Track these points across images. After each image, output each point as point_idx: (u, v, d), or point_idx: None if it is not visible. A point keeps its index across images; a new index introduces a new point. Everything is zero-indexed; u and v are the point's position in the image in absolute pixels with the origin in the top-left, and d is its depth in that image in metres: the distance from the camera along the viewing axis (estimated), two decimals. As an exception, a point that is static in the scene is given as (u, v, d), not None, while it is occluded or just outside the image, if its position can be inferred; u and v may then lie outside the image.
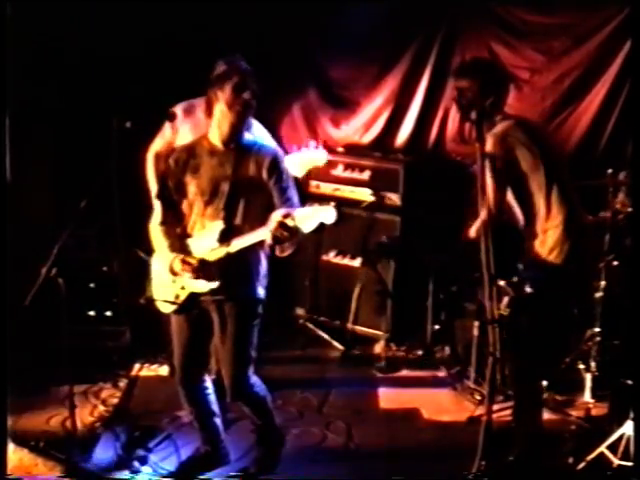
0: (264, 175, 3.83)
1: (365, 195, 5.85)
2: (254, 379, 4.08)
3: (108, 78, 5.50)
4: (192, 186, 3.89)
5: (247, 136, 3.93)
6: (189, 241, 3.90)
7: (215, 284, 3.82)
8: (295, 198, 3.88)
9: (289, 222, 3.51)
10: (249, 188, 3.84)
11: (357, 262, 5.81)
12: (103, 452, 4.42)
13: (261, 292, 3.98)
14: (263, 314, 3.99)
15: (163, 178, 3.98)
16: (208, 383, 4.19)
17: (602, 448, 4.12)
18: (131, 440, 4.45)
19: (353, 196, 5.90)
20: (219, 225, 3.81)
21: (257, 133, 4.29)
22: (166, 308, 4.00)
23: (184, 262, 3.81)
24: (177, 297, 3.93)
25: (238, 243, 3.75)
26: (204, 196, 3.88)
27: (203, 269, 3.81)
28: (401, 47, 6.01)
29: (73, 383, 4.15)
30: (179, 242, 3.90)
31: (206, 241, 3.83)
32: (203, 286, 3.84)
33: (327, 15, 5.86)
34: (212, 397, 4.21)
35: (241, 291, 3.91)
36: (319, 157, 4.54)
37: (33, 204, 5.45)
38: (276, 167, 3.86)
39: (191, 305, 3.93)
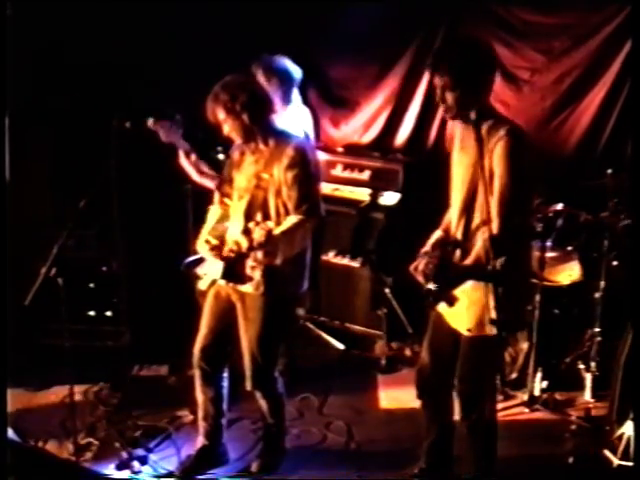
0: (282, 174, 3.90)
1: (364, 195, 5.87)
2: (277, 375, 4.17)
3: (108, 78, 5.50)
4: (235, 181, 4.07)
5: (287, 131, 4.05)
6: (229, 230, 4.07)
7: (219, 272, 3.91)
8: (304, 206, 3.86)
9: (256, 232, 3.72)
10: (275, 187, 3.92)
11: (357, 262, 5.80)
12: (103, 452, 4.42)
13: (296, 289, 4.09)
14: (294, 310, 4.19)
15: (223, 170, 4.21)
16: (225, 375, 4.23)
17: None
18: (131, 440, 4.45)
19: (353, 196, 5.90)
20: (241, 221, 3.95)
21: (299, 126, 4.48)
22: (200, 284, 4.13)
23: (206, 240, 4.01)
24: (205, 275, 4.08)
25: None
26: (239, 191, 4.04)
27: (220, 251, 3.96)
28: (401, 47, 5.99)
29: (73, 383, 4.16)
30: (221, 228, 4.09)
31: (232, 234, 4.00)
32: (214, 268, 3.95)
33: (327, 15, 5.85)
34: (224, 392, 4.24)
35: (274, 288, 3.98)
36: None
37: (33, 204, 5.44)
38: (291, 167, 3.88)
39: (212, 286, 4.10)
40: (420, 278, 3.59)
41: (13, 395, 4.42)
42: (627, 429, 4.07)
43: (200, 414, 4.28)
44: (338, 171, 5.98)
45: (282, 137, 3.99)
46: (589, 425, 4.60)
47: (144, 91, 5.33)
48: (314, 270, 4.35)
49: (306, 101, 5.31)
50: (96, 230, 5.33)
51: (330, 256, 5.89)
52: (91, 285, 5.37)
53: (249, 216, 3.95)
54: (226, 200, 4.15)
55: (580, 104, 5.66)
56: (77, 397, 4.35)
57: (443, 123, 6.06)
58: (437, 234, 3.79)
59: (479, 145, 3.33)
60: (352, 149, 6.16)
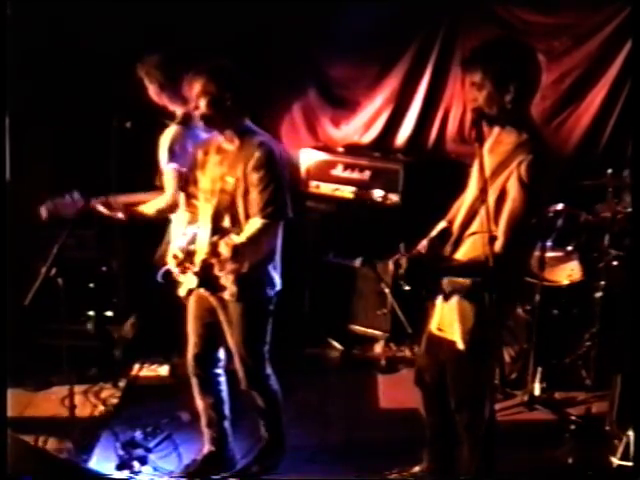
0: (249, 176, 3.79)
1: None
2: (269, 371, 4.14)
3: (108, 78, 5.49)
4: (200, 182, 3.97)
5: (254, 130, 3.89)
6: (198, 235, 3.95)
7: (194, 282, 3.86)
8: (269, 209, 3.76)
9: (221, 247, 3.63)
10: (242, 189, 3.81)
11: (357, 262, 5.79)
12: (103, 452, 4.42)
13: (269, 290, 3.99)
14: (273, 311, 4.05)
15: (187, 171, 4.06)
16: (222, 379, 4.20)
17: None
18: (131, 440, 4.45)
19: (353, 196, 5.90)
20: (208, 226, 3.85)
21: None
22: (180, 290, 4.04)
23: (174, 255, 3.87)
24: (181, 284, 4.01)
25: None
26: (204, 194, 3.94)
27: (189, 263, 3.84)
28: (402, 47, 6.00)
29: (73, 383, 4.16)
30: (191, 233, 3.94)
31: (201, 240, 3.88)
32: (190, 280, 3.89)
33: (327, 14, 5.85)
34: (224, 395, 4.22)
35: (247, 291, 3.92)
36: None
37: (33, 204, 5.43)
38: (256, 169, 3.76)
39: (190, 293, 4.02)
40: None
41: (13, 395, 4.43)
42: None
43: (203, 421, 4.26)
44: (338, 171, 5.97)
45: (248, 137, 3.82)
46: (589, 425, 4.60)
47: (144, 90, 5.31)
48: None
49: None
50: (96, 230, 5.33)
51: (330, 256, 5.89)
52: (91, 285, 5.38)
53: (217, 220, 3.86)
54: (193, 201, 4.03)
55: (580, 104, 5.68)
56: (77, 397, 4.35)
57: (444, 123, 6.07)
58: (441, 225, 3.76)
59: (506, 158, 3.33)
60: (353, 149, 6.15)
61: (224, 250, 3.68)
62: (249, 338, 4.00)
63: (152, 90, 4.59)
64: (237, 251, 3.70)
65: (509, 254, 3.32)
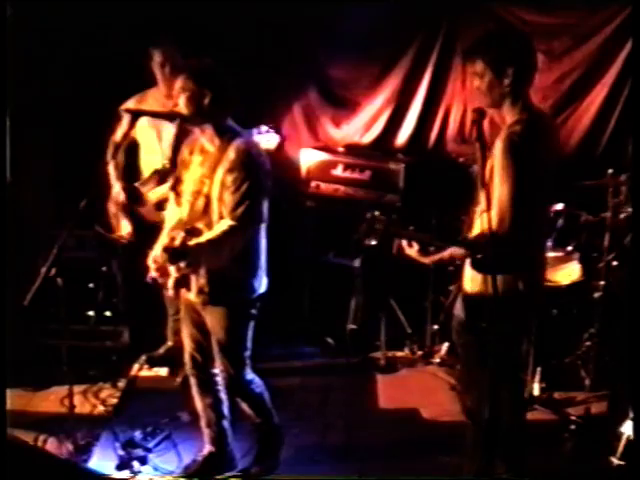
0: (223, 178, 3.75)
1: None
2: (251, 376, 4.10)
3: (108, 78, 5.50)
4: (184, 183, 3.92)
5: (234, 130, 3.84)
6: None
7: (171, 284, 3.83)
8: (238, 210, 3.70)
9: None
10: (217, 192, 3.76)
11: (357, 262, 5.79)
12: (103, 452, 4.42)
13: (247, 294, 3.93)
14: (254, 314, 3.98)
15: (177, 171, 4.01)
16: (219, 378, 4.16)
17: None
18: (131, 440, 4.45)
19: (353, 196, 5.90)
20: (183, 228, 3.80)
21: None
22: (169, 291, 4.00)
23: (153, 259, 3.81)
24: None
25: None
26: (187, 195, 3.90)
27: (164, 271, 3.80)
28: (402, 47, 6.00)
29: (73, 383, 4.16)
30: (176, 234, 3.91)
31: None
32: (170, 283, 3.87)
33: (328, 15, 5.85)
34: (222, 395, 4.19)
35: (222, 294, 3.88)
36: (270, 141, 4.66)
37: (33, 204, 5.44)
38: (231, 170, 3.72)
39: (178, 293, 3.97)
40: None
41: (13, 395, 4.43)
42: (627, 429, 4.07)
43: (202, 421, 4.24)
44: (339, 171, 5.97)
45: (227, 138, 3.78)
46: (588, 425, 4.60)
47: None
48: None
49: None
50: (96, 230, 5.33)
51: (330, 256, 5.89)
52: (91, 285, 5.38)
53: (191, 223, 3.81)
54: (181, 200, 3.97)
55: (581, 104, 5.69)
56: (76, 397, 4.35)
57: (444, 123, 6.07)
58: None
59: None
60: (353, 149, 6.15)
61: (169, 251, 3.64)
62: (227, 342, 3.95)
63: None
64: (179, 253, 3.63)
65: (513, 231, 3.34)
